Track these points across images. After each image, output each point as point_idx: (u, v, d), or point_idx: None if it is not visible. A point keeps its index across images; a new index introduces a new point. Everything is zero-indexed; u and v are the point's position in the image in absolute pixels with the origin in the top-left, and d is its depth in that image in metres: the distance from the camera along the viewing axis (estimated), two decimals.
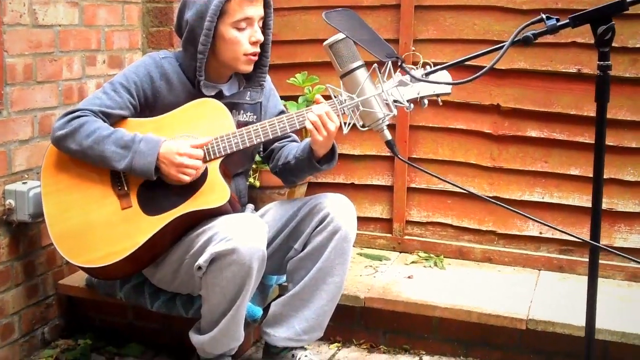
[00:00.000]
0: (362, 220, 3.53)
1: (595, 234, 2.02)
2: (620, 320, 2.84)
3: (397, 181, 3.62)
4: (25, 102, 2.89)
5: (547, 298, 3.09)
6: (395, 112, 2.23)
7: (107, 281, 2.87)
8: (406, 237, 3.65)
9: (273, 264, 2.74)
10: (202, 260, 2.44)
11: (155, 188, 2.55)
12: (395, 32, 3.51)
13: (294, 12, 3.72)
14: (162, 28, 3.56)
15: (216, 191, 2.52)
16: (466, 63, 2.12)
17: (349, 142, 3.66)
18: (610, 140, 3.19)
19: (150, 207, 2.55)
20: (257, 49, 2.61)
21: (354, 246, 2.74)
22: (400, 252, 3.63)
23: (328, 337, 3.13)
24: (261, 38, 2.60)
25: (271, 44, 2.71)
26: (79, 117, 2.51)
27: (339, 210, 2.67)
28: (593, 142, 3.25)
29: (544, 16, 2.02)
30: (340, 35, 2.22)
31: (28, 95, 2.90)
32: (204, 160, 2.52)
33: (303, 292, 2.71)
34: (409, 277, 3.30)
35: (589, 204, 3.32)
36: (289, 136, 2.81)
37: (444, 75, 2.38)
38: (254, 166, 3.24)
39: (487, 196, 3.45)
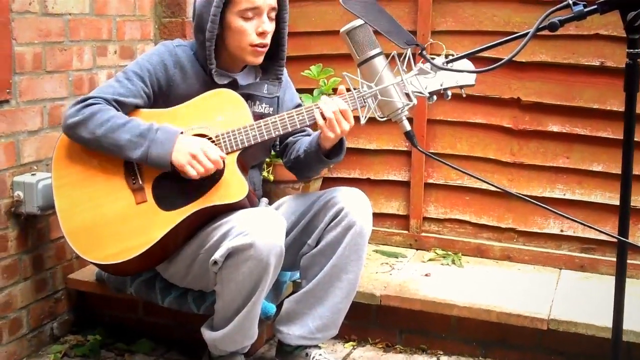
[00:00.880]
0: (378, 217, 3.45)
1: (623, 230, 1.94)
2: None
3: (414, 176, 3.53)
4: (35, 92, 2.82)
5: (568, 298, 3.01)
6: (415, 101, 2.15)
7: (118, 276, 2.80)
8: (423, 234, 3.57)
9: (286, 260, 2.64)
10: (218, 254, 2.36)
11: (171, 182, 2.48)
12: (412, 24, 3.43)
13: (309, 3, 3.64)
14: (175, 19, 3.49)
15: (234, 185, 2.45)
16: (486, 55, 2.05)
17: (365, 135, 3.58)
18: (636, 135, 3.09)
19: (165, 201, 2.47)
20: (265, 40, 2.53)
21: (369, 243, 2.67)
22: (417, 250, 3.55)
23: (343, 336, 3.05)
24: (269, 29, 2.52)
25: (287, 36, 2.64)
26: (92, 104, 2.44)
27: (354, 205, 2.59)
28: (616, 137, 3.22)
29: (570, 1, 1.93)
30: (358, 22, 2.13)
31: (37, 85, 2.83)
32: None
33: (317, 289, 2.63)
34: (426, 274, 3.21)
35: (612, 201, 3.27)
36: (304, 130, 2.73)
37: (466, 65, 2.30)
38: (267, 160, 3.17)
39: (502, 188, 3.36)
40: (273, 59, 2.65)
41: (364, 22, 2.11)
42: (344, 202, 2.59)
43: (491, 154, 3.43)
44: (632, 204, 3.12)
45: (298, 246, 2.69)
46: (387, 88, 2.13)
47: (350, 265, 2.60)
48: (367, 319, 3.06)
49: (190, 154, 2.38)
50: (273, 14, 2.54)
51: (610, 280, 3.17)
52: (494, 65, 1.95)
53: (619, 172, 3.18)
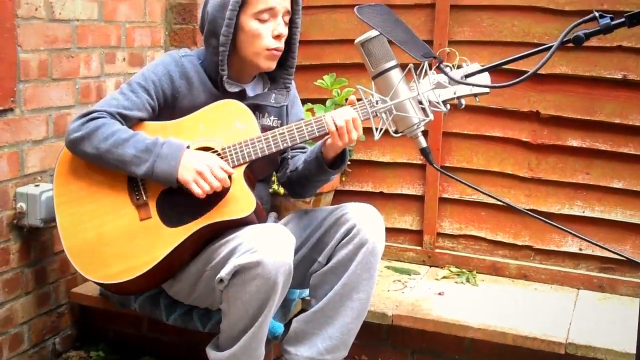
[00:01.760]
0: (390, 232, 3.35)
1: None
2: None
3: (429, 191, 3.44)
4: (40, 100, 2.75)
5: (587, 320, 2.90)
6: (431, 117, 2.06)
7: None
8: (437, 250, 3.47)
9: (296, 278, 2.55)
10: (224, 272, 2.27)
11: (176, 197, 2.40)
12: (429, 33, 3.34)
13: (322, 11, 3.55)
14: (186, 25, 3.41)
15: (241, 200, 2.36)
16: (506, 67, 1.96)
17: (378, 148, 3.49)
18: None
19: (170, 218, 2.39)
20: (280, 44, 2.45)
21: (381, 259, 2.56)
22: (431, 266, 3.45)
23: (352, 356, 2.96)
24: (284, 32, 2.44)
25: (298, 43, 2.55)
26: (95, 118, 2.36)
27: (366, 222, 2.50)
28: (638, 153, 3.11)
29: (596, 14, 1.83)
30: (373, 33, 2.04)
31: (43, 93, 2.76)
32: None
33: (327, 309, 2.54)
34: (439, 293, 3.11)
35: (633, 220, 3.17)
36: (303, 147, 2.67)
37: (484, 77, 2.20)
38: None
39: (524, 209, 3.26)
40: (282, 67, 2.57)
41: (379, 33, 2.02)
42: (356, 218, 2.49)
43: (508, 168, 3.33)
44: None
45: (308, 263, 2.60)
46: (403, 103, 2.04)
47: (362, 285, 2.50)
48: (378, 339, 2.97)
49: (196, 171, 2.29)
50: (287, 18, 2.46)
51: (630, 302, 3.10)
52: (514, 81, 1.85)
53: None
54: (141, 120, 2.44)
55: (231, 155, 2.38)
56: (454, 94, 2.22)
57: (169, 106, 2.47)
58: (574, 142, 3.22)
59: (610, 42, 3.08)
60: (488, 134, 3.34)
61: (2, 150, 2.62)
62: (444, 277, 3.31)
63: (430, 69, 2.10)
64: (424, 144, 2.07)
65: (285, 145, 2.38)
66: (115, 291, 2.62)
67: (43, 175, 2.80)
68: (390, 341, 2.97)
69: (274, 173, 2.72)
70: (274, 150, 2.38)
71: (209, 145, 2.42)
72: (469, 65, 2.17)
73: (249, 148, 2.38)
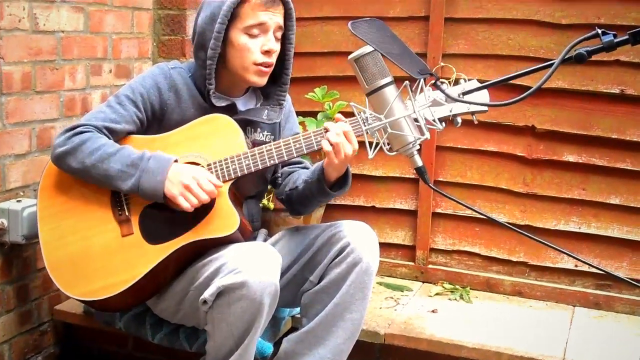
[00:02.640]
0: (383, 247, 3.24)
1: None
2: None
3: (422, 205, 3.37)
4: (23, 113, 2.67)
5: (583, 339, 2.84)
6: (428, 135, 1.98)
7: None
8: (430, 266, 3.40)
9: (286, 297, 2.50)
10: (207, 293, 2.20)
11: (159, 213, 2.33)
12: (423, 46, 3.28)
13: (314, 22, 3.48)
14: (174, 37, 3.34)
15: (224, 218, 2.29)
16: (499, 80, 1.90)
17: (370, 162, 3.42)
18: None
19: (152, 234, 2.32)
20: (270, 60, 2.38)
21: None
22: (423, 282, 3.38)
23: None
24: (275, 48, 2.38)
25: (292, 59, 2.49)
26: (81, 132, 2.30)
27: (360, 240, 2.43)
28: (636, 169, 3.06)
29: (599, 31, 1.79)
30: (368, 48, 1.96)
31: (26, 106, 2.68)
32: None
33: (318, 329, 2.46)
34: (432, 311, 3.05)
35: (629, 236, 3.11)
36: (301, 162, 2.60)
37: (482, 94, 2.14)
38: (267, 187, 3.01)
39: (519, 225, 3.21)
40: (275, 83, 2.51)
41: (373, 49, 1.95)
42: (350, 236, 2.43)
43: (503, 183, 3.27)
44: None
45: (299, 282, 2.53)
46: (398, 121, 1.97)
47: (355, 305, 2.43)
48: (369, 358, 2.90)
49: (182, 185, 2.23)
50: (279, 34, 2.40)
51: (627, 320, 3.05)
52: (514, 100, 1.80)
53: (638, 205, 3.06)
54: (129, 133, 2.38)
55: (217, 171, 2.32)
56: (450, 111, 2.16)
57: (157, 119, 2.41)
58: (570, 157, 3.16)
59: (608, 56, 3.02)
60: (482, 149, 3.28)
61: None
62: (437, 294, 3.24)
63: (426, 85, 2.04)
64: (419, 162, 2.00)
65: (272, 162, 2.32)
66: (97, 308, 2.54)
67: (26, 190, 2.72)
68: None
69: (273, 189, 2.65)
70: (260, 167, 2.32)
71: (195, 160, 2.36)
72: (466, 81, 2.11)
73: (235, 164, 2.32)
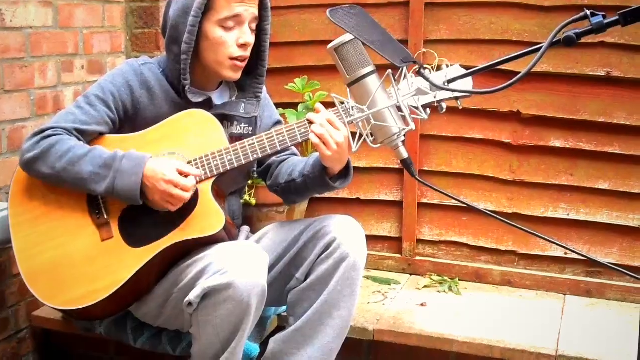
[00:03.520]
0: (368, 239, 3.14)
1: None
2: None
3: (407, 196, 3.30)
4: None
5: (576, 328, 2.78)
6: (413, 126, 1.91)
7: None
8: (417, 257, 3.33)
9: (272, 295, 2.42)
10: (193, 295, 2.12)
11: (139, 215, 2.24)
12: (404, 32, 3.20)
13: (292, 11, 3.40)
14: (148, 30, 3.24)
15: (209, 217, 2.20)
16: (485, 66, 1.83)
17: (353, 152, 3.33)
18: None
19: (134, 237, 2.23)
20: (245, 53, 2.30)
21: None
22: (411, 275, 3.31)
23: None
24: (250, 40, 2.29)
25: (269, 50, 2.40)
26: (49, 136, 2.20)
27: (347, 235, 2.35)
28: (624, 152, 2.99)
29: (587, 12, 1.71)
30: (348, 37, 1.90)
31: None
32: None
33: (306, 327, 2.39)
34: (422, 304, 2.98)
35: (619, 221, 3.05)
36: (289, 149, 2.49)
37: (465, 80, 2.07)
38: (249, 182, 2.92)
39: (507, 213, 3.14)
40: (251, 75, 2.42)
41: (354, 37, 1.87)
42: (336, 232, 2.35)
43: (489, 171, 3.20)
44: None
45: (285, 280, 2.45)
46: (382, 111, 1.89)
47: (343, 301, 2.36)
48: (358, 355, 2.83)
49: (160, 190, 2.14)
50: (254, 25, 2.31)
51: (619, 307, 2.99)
52: (500, 87, 1.74)
53: (627, 190, 3.01)
54: (101, 135, 2.28)
55: (198, 168, 2.23)
56: (434, 97, 2.08)
57: (130, 118, 2.32)
58: (557, 143, 3.09)
59: (593, 38, 2.95)
60: (467, 136, 3.20)
61: None
62: (425, 287, 3.17)
63: (409, 72, 1.96)
64: (405, 154, 1.93)
65: (255, 156, 2.24)
66: (78, 317, 2.46)
67: None
68: (371, 357, 2.83)
69: (263, 181, 2.57)
70: (243, 162, 2.23)
71: (174, 158, 2.26)
72: (449, 67, 2.04)
73: (216, 160, 2.23)
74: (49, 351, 2.90)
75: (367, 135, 1.96)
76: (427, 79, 1.79)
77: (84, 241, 2.25)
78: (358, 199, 3.40)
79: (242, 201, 2.67)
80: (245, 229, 2.62)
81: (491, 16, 3.11)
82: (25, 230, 2.27)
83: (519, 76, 1.71)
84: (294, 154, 2.54)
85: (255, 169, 2.54)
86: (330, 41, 1.93)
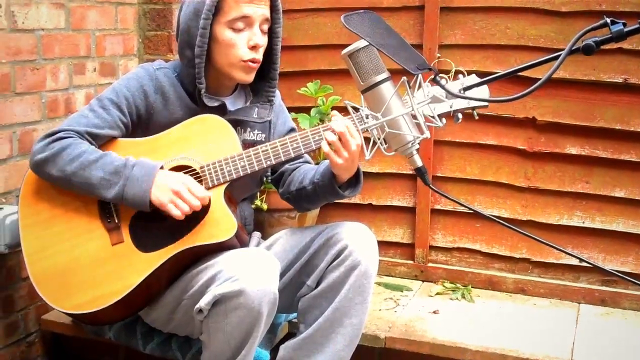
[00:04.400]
0: (381, 245, 3.13)
1: None
2: None
3: (420, 202, 3.26)
4: (3, 116, 2.56)
5: (590, 338, 2.74)
6: (427, 134, 1.88)
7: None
8: (430, 264, 3.30)
9: (283, 302, 2.38)
10: (203, 302, 2.10)
11: (150, 220, 2.22)
12: (418, 37, 3.16)
13: (305, 15, 3.36)
14: (160, 32, 3.22)
15: (221, 223, 2.18)
16: (503, 73, 1.81)
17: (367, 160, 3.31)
18: None
19: (144, 242, 2.21)
20: (257, 55, 2.27)
21: None
22: (423, 281, 3.28)
23: None
24: (260, 42, 2.26)
25: (280, 53, 2.38)
26: (61, 138, 2.18)
27: (359, 242, 2.32)
28: None
29: (607, 20, 1.69)
30: (362, 43, 1.86)
31: (5, 108, 2.57)
32: (207, 188, 2.19)
33: (317, 335, 2.36)
34: (434, 312, 2.94)
35: (635, 230, 3.00)
36: (301, 157, 2.47)
37: (482, 89, 2.03)
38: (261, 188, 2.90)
39: (521, 220, 3.11)
40: (264, 79, 2.40)
41: (368, 43, 1.84)
42: (348, 239, 2.32)
43: (504, 178, 3.16)
44: None
45: (296, 287, 2.42)
46: (396, 119, 1.86)
47: (354, 309, 2.33)
48: None
49: (172, 191, 2.12)
50: (266, 27, 2.29)
51: (635, 316, 2.94)
52: (518, 95, 1.72)
53: None
54: (113, 138, 2.26)
55: (210, 174, 2.21)
56: (450, 107, 2.05)
57: (143, 123, 2.30)
58: (573, 150, 3.05)
59: (610, 45, 2.90)
60: (482, 142, 3.17)
61: None
62: (437, 294, 3.14)
63: (425, 80, 1.93)
64: (419, 163, 1.89)
65: (269, 163, 2.21)
66: (87, 321, 2.44)
67: (8, 196, 2.61)
68: None
69: (275, 188, 2.54)
70: (256, 168, 2.21)
71: (186, 163, 2.25)
72: (465, 76, 2.00)
73: (229, 166, 2.21)
74: (59, 355, 2.88)
75: (380, 143, 1.93)
76: (442, 87, 1.76)
77: (94, 245, 2.23)
78: (370, 204, 3.37)
79: (253, 206, 2.65)
80: (257, 235, 2.60)
81: (507, 21, 3.07)
82: (35, 232, 2.26)
83: (537, 84, 1.69)
84: (307, 162, 2.51)
85: (269, 175, 2.51)
86: (344, 45, 1.90)
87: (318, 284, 2.37)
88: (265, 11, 2.26)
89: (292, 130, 2.53)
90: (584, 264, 3.08)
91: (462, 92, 1.86)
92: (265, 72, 2.38)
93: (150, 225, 2.23)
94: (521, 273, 3.19)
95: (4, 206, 2.55)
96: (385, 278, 3.31)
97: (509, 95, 1.88)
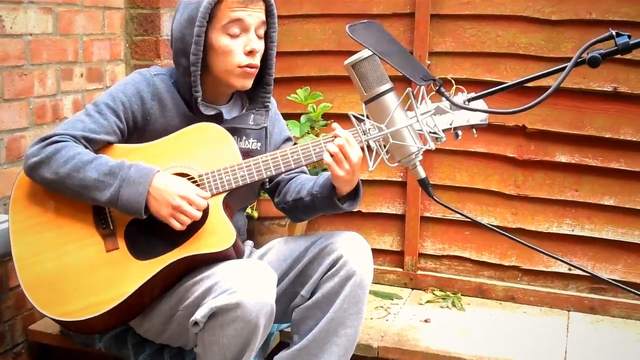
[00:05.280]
0: None
1: None
2: None
3: (410, 209, 3.26)
4: None
5: (582, 347, 2.75)
6: (433, 145, 1.86)
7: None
8: (419, 272, 3.29)
9: (276, 312, 2.33)
10: (199, 315, 2.05)
11: (147, 226, 2.17)
12: (409, 44, 3.15)
13: (295, 21, 3.34)
14: (148, 37, 3.17)
15: (219, 232, 2.14)
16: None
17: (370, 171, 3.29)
18: None
19: (140, 249, 2.16)
20: (254, 61, 2.24)
21: None
22: (413, 289, 3.27)
23: None
24: (257, 47, 2.23)
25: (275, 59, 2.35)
26: (56, 142, 2.12)
27: (353, 252, 2.30)
28: (630, 169, 2.97)
29: (613, 32, 1.69)
30: (366, 53, 1.84)
31: None
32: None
33: (311, 346, 2.33)
34: (425, 320, 2.94)
35: (624, 238, 3.02)
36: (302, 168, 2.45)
37: (479, 104, 2.02)
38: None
39: (510, 228, 3.11)
40: (259, 85, 2.36)
41: (372, 53, 1.82)
42: (343, 248, 2.29)
43: (493, 185, 3.17)
44: None
45: (289, 297, 2.39)
46: (400, 130, 1.84)
47: (349, 320, 2.30)
48: None
49: (172, 206, 2.07)
50: (262, 31, 2.26)
51: (624, 324, 2.96)
52: (523, 107, 1.74)
53: (632, 206, 2.98)
54: (108, 144, 2.22)
55: (209, 182, 2.18)
56: (450, 124, 2.05)
57: (139, 129, 2.25)
58: (562, 158, 3.06)
59: None
60: (472, 150, 3.17)
61: None
62: (428, 302, 3.13)
63: (427, 92, 1.92)
64: (422, 174, 1.87)
65: (269, 174, 2.18)
66: (77, 330, 2.38)
67: None
68: None
69: (271, 197, 2.51)
70: (256, 178, 2.18)
71: (185, 171, 2.21)
72: (464, 93, 1.99)
73: (229, 176, 2.18)
74: None
75: (384, 154, 1.91)
76: (447, 98, 1.75)
77: (88, 251, 2.17)
78: (359, 211, 3.35)
79: (246, 218, 2.61)
80: (249, 243, 2.57)
81: (498, 29, 3.07)
82: (26, 237, 2.20)
83: (544, 96, 1.70)
84: (303, 172, 2.48)
85: (268, 182, 2.48)
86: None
87: (312, 294, 2.34)
88: (260, 15, 2.23)
89: (288, 139, 2.50)
90: (573, 272, 3.09)
91: (466, 103, 1.85)
92: (260, 78, 2.34)
93: (146, 232, 2.18)
94: (510, 281, 3.20)
95: None
96: (375, 286, 3.29)
97: (508, 106, 1.87)
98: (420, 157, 1.89)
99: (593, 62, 1.73)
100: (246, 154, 2.29)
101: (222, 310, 2.03)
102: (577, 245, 3.09)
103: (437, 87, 1.76)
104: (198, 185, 2.17)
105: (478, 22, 3.09)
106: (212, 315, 2.05)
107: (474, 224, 3.19)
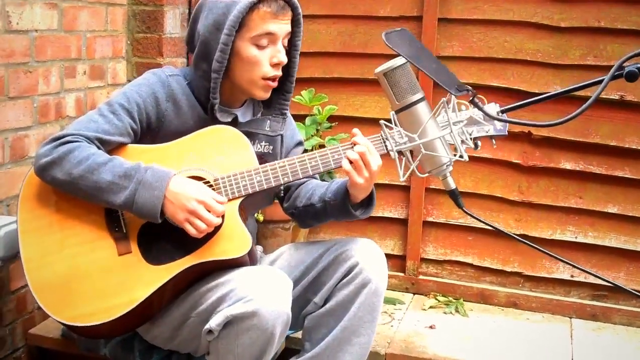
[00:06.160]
0: None
1: None
2: None
3: (412, 214, 3.23)
4: None
5: (587, 355, 2.75)
6: (466, 157, 1.84)
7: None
8: (421, 276, 3.27)
9: None
10: (214, 323, 2.01)
11: (161, 230, 2.12)
12: None
13: None
14: (150, 34, 3.11)
15: (235, 239, 2.09)
16: (547, 96, 1.80)
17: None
18: None
19: (154, 254, 2.11)
20: (279, 73, 2.20)
21: None
22: (414, 294, 3.26)
23: None
24: (284, 60, 2.19)
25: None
26: (69, 142, 2.05)
27: (369, 260, 2.26)
28: (634, 177, 2.98)
29: None
30: (399, 61, 1.81)
31: None
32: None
33: (324, 355, 2.29)
34: (430, 326, 2.92)
35: (627, 246, 3.03)
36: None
37: (493, 108, 2.00)
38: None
39: (514, 234, 3.09)
40: (278, 91, 2.31)
41: (405, 61, 1.79)
42: (359, 256, 2.26)
43: (497, 191, 3.16)
44: None
45: (302, 304, 2.35)
46: (433, 141, 1.82)
47: (364, 328, 2.27)
48: None
49: (188, 210, 2.02)
50: (286, 41, 2.21)
51: (626, 332, 2.97)
52: (558, 121, 1.71)
53: (636, 214, 2.99)
54: (122, 145, 2.16)
55: (225, 187, 2.13)
56: (470, 134, 2.03)
57: (152, 131, 2.19)
58: (567, 165, 3.06)
59: (607, 61, 2.94)
60: (476, 155, 3.14)
61: None
62: (431, 307, 3.11)
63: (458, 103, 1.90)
64: (452, 185, 1.86)
65: (286, 179, 2.14)
66: (84, 334, 2.31)
67: (0, 206, 2.48)
68: None
69: (280, 203, 2.46)
70: (273, 184, 2.14)
71: (199, 174, 2.15)
72: (485, 103, 1.97)
73: (245, 181, 2.13)
74: None
75: (415, 165, 1.88)
76: (480, 109, 1.73)
77: (100, 254, 2.11)
78: None
79: (256, 223, 2.57)
80: (259, 248, 2.53)
81: (505, 34, 3.06)
82: (35, 238, 2.12)
83: (583, 108, 1.71)
84: (313, 177, 2.45)
85: (282, 189, 2.44)
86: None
87: (326, 301, 2.30)
88: (288, 27, 2.18)
89: (299, 143, 2.46)
90: (575, 278, 3.09)
91: (500, 114, 1.83)
92: (280, 85, 2.30)
93: (160, 236, 2.13)
94: (513, 287, 3.19)
95: None
96: None
97: (526, 116, 1.85)
98: (451, 168, 1.87)
99: (630, 77, 1.73)
100: (259, 157, 2.24)
101: (238, 319, 1.98)
102: (580, 252, 3.09)
103: (471, 98, 1.74)
104: (213, 189, 2.13)
105: (486, 27, 3.08)
106: (227, 323, 2.00)
107: (477, 230, 3.17)
